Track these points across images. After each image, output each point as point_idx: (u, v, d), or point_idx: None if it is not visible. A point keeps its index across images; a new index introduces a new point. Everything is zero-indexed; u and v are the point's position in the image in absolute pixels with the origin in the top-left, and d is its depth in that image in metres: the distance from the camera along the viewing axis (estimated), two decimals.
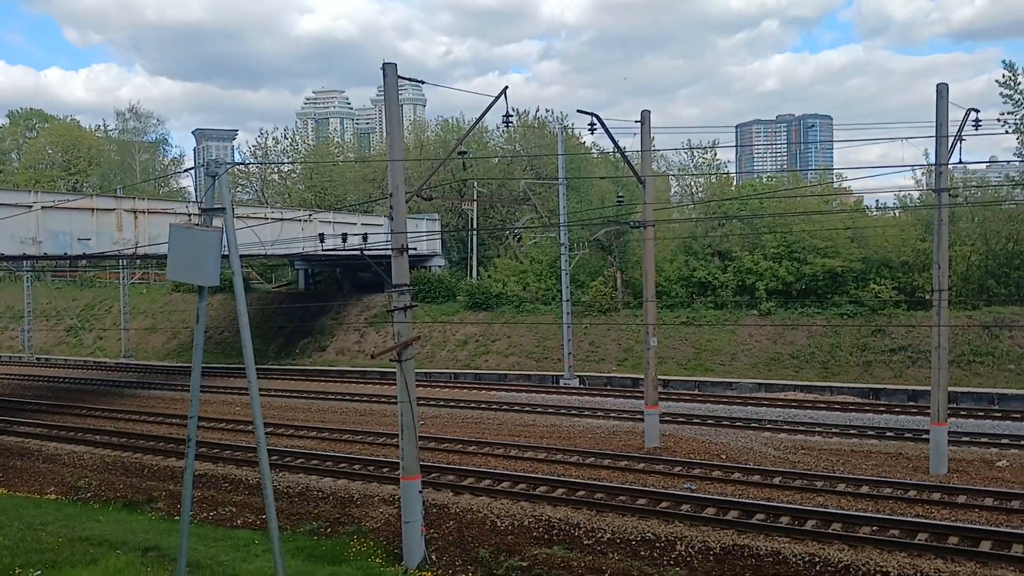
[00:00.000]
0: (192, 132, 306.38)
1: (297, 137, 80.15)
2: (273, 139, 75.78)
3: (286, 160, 73.16)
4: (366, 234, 41.93)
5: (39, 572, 17.17)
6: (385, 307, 54.82)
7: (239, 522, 22.72)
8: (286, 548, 18.57)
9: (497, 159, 65.20)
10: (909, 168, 47.31)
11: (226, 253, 13.14)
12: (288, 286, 68.28)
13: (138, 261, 59.31)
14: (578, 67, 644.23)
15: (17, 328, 69.43)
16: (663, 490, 21.87)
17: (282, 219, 43.78)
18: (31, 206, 32.87)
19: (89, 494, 26.06)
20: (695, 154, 54.14)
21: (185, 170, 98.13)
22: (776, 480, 22.80)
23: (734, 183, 59.07)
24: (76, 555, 18.29)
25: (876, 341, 40.78)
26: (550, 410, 34.99)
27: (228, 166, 13.52)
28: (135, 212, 37.11)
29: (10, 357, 67.40)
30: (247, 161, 75.45)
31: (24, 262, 57.28)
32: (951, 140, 23.19)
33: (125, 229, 36.39)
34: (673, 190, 63.41)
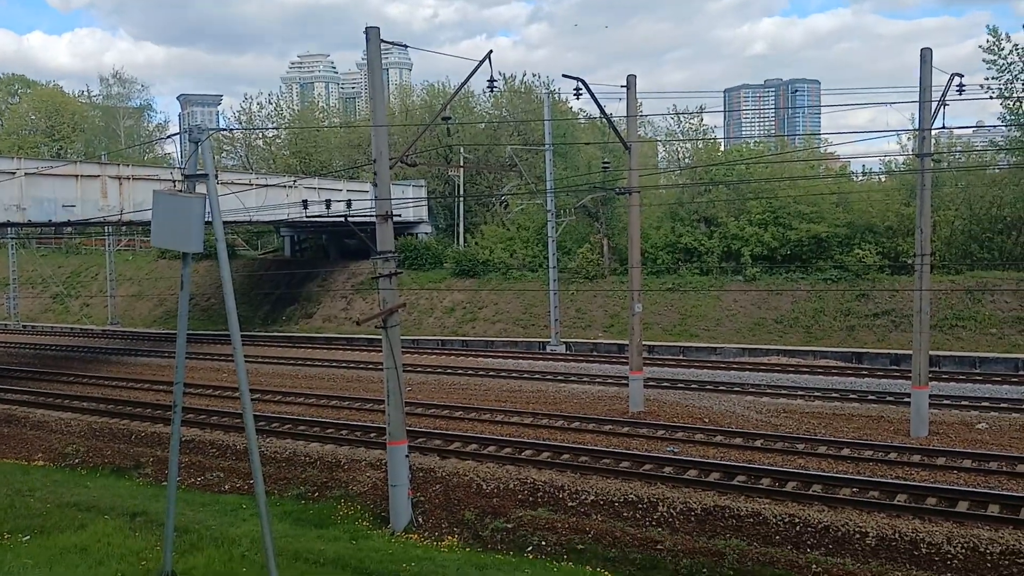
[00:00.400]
0: (177, 97, 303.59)
1: (282, 102, 79.52)
2: (258, 104, 75.30)
3: (270, 126, 72.67)
4: (350, 200, 41.88)
5: (28, 537, 17.33)
6: (372, 274, 54.80)
7: (227, 487, 22.89)
8: (274, 512, 18.79)
9: (483, 124, 64.93)
10: (894, 133, 47.43)
11: (210, 219, 13.15)
12: (274, 253, 68.17)
13: (123, 228, 59.02)
14: (566, 30, 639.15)
15: (2, 295, 69.15)
16: (646, 453, 22.16)
17: (267, 185, 43.61)
18: (14, 173, 32.68)
19: (77, 460, 26.17)
20: (682, 119, 53.99)
21: (169, 136, 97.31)
22: (758, 443, 23.11)
23: (721, 149, 59.02)
24: (64, 520, 18.45)
25: (860, 306, 41.12)
26: (536, 376, 35.21)
27: (210, 132, 13.49)
28: (119, 178, 36.91)
29: None
30: (230, 127, 74.97)
31: (8, 229, 56.95)
32: (935, 105, 23.28)
33: (110, 195, 36.23)
34: (660, 156, 63.34)
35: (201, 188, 13.03)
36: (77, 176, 35.57)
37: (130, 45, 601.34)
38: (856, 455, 21.73)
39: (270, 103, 75.56)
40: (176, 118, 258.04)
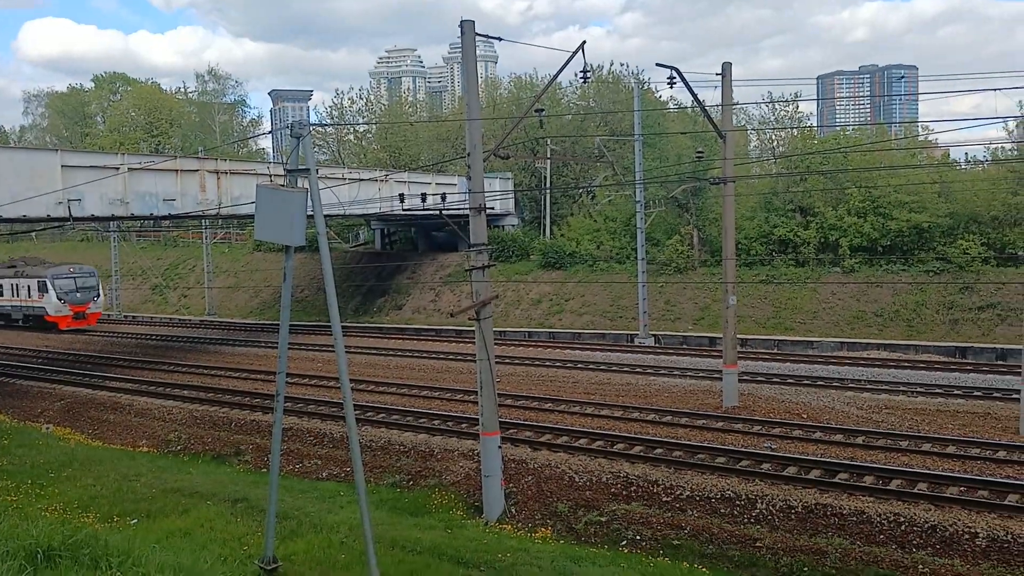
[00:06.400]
0: (268, 93, 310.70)
1: (371, 97, 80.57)
2: (349, 99, 76.46)
3: (362, 120, 73.67)
4: (445, 194, 42.09)
5: (135, 520, 17.90)
6: (459, 266, 55.20)
7: (324, 474, 23.35)
8: (371, 500, 18.97)
9: (571, 116, 64.63)
10: (1001, 120, 45.38)
11: (310, 213, 13.28)
12: (364, 246, 69.20)
13: (220, 221, 60.66)
14: (660, 19, 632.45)
15: (105, 287, 71.92)
16: (743, 449, 21.72)
17: (359, 179, 44.21)
18: (118, 168, 33.72)
19: (179, 447, 27.05)
20: (776, 107, 52.71)
21: (267, 132, 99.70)
22: (859, 439, 22.45)
23: (816, 137, 57.48)
24: (169, 505, 19.02)
25: (964, 299, 39.58)
26: (625, 368, 34.89)
27: (312, 127, 13.64)
28: (217, 173, 37.83)
29: None
30: (328, 122, 76.22)
31: (111, 222, 59.10)
32: None
33: (208, 190, 37.17)
34: (752, 144, 62.07)
35: (303, 183, 13.17)
36: (177, 171, 36.54)
37: (229, 42, 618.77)
38: (963, 453, 20.96)
39: (360, 98, 76.64)
40: (268, 113, 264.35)
